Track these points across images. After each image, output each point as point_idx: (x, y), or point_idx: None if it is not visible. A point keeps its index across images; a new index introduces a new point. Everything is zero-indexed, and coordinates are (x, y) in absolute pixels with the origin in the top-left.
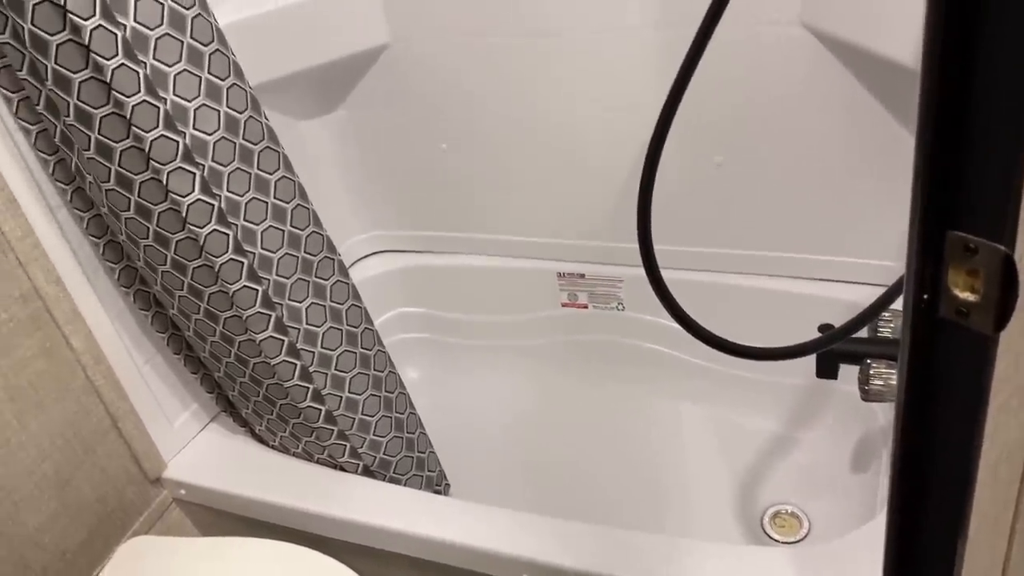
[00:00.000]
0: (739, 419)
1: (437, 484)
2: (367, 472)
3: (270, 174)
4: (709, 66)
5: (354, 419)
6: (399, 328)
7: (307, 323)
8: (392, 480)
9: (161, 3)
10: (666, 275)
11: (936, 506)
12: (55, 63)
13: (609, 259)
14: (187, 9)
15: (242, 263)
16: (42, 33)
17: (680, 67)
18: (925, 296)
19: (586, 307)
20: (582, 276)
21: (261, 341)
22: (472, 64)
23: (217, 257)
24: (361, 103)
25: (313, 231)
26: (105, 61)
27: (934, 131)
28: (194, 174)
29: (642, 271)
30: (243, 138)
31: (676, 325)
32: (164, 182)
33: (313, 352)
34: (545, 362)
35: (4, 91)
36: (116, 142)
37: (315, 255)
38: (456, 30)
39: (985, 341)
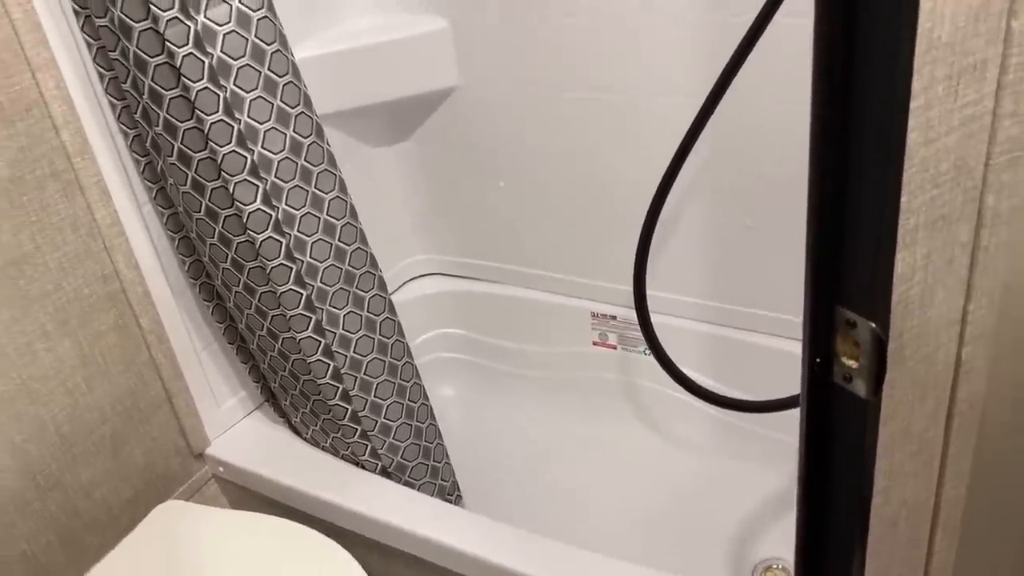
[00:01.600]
0: (748, 471)
1: (449, 494)
2: (384, 473)
3: (325, 193)
4: (741, 133)
5: (377, 421)
6: (441, 346)
7: (343, 328)
8: (406, 483)
9: (245, 37)
10: (694, 327)
11: (835, 551)
12: (151, 80)
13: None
14: (268, 45)
15: (291, 268)
16: (143, 55)
17: (690, 124)
18: (818, 360)
19: (615, 348)
20: (614, 318)
21: (301, 340)
22: (533, 111)
23: (270, 260)
24: (428, 137)
25: (358, 247)
26: (192, 83)
27: (819, 229)
28: (258, 187)
29: (669, 318)
30: (304, 160)
31: (696, 374)
32: (231, 191)
33: (346, 356)
34: (570, 395)
35: (111, 98)
36: (195, 152)
37: (358, 269)
38: (521, 79)
39: (865, 404)
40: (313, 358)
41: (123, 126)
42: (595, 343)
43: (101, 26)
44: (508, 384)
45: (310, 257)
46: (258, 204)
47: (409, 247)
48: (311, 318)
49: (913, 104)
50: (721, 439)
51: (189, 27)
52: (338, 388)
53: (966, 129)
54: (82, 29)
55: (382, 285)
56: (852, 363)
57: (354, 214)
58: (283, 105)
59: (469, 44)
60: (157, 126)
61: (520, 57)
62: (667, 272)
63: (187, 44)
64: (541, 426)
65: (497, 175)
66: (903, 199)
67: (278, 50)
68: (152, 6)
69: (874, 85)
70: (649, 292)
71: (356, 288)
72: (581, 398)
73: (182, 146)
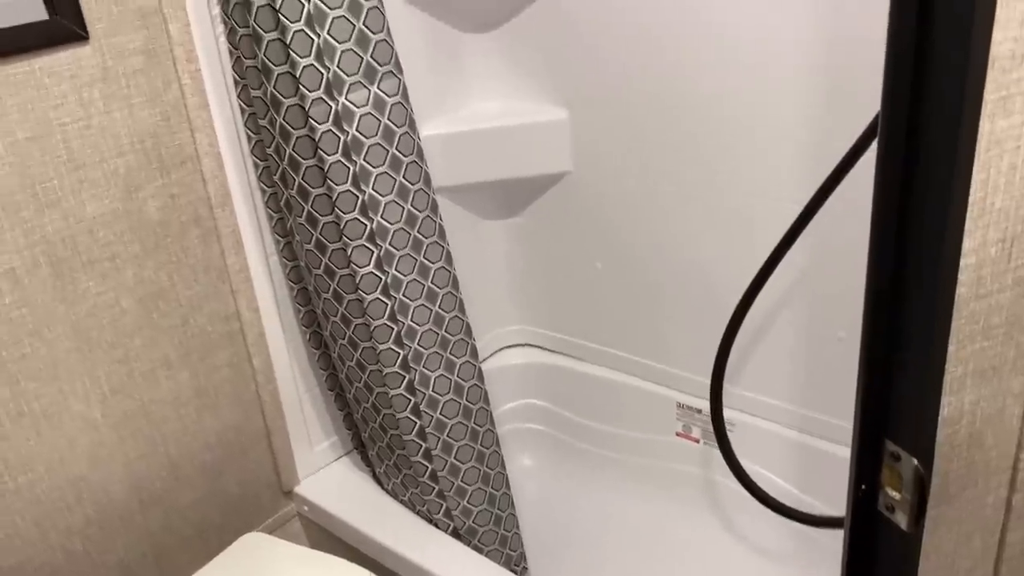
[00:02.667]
0: None
1: (516, 564)
2: (455, 534)
3: (432, 263)
4: (838, 245)
5: (454, 483)
6: (524, 417)
7: (433, 390)
8: (475, 547)
9: (379, 120)
10: (779, 431)
11: None
12: (292, 149)
13: (727, 401)
14: (398, 127)
15: (393, 329)
16: (288, 127)
17: (787, 230)
18: (863, 487)
19: (698, 442)
20: (699, 411)
21: (393, 396)
22: (638, 200)
23: (375, 320)
24: (536, 215)
25: (456, 316)
26: (327, 156)
27: (871, 363)
28: (373, 252)
29: (754, 418)
30: (418, 231)
31: (777, 479)
32: (349, 253)
33: (432, 416)
34: (648, 483)
35: (255, 159)
36: (321, 216)
37: (453, 335)
38: (630, 170)
39: (906, 536)
40: (402, 415)
41: (262, 184)
42: (678, 434)
43: (256, 97)
44: (586, 462)
45: (411, 320)
46: (371, 268)
47: (506, 316)
48: (405, 377)
49: (964, 262)
50: (793, 547)
51: (331, 107)
52: (421, 446)
53: (1020, 289)
54: (239, 96)
55: (474, 353)
56: (895, 494)
57: (456, 284)
58: (405, 182)
59: (585, 135)
60: (292, 189)
61: (631, 150)
62: (757, 372)
63: (327, 121)
64: (614, 509)
65: (597, 257)
66: (951, 348)
67: (407, 132)
68: (301, 86)
69: (926, 244)
70: (736, 390)
71: (449, 353)
72: (658, 487)
73: (311, 209)
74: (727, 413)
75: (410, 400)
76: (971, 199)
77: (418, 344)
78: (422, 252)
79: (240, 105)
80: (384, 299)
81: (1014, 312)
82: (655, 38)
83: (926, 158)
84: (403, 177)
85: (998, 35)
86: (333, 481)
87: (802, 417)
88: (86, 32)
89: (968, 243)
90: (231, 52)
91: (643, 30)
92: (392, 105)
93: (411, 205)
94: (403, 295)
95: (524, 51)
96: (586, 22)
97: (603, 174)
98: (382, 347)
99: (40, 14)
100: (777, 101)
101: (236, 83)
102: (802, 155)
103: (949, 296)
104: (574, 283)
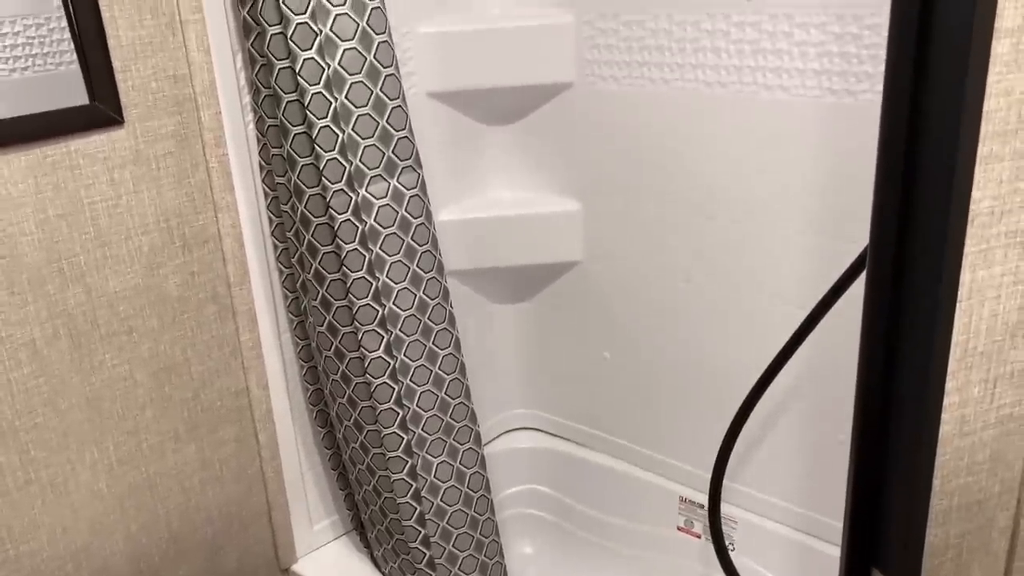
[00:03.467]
0: None
1: None
2: None
3: (441, 349)
4: (841, 353)
5: (451, 571)
6: (526, 502)
7: (435, 476)
8: None
9: (396, 211)
10: (780, 530)
11: None
12: (311, 236)
13: (730, 498)
14: (414, 219)
15: (399, 414)
16: (309, 214)
17: (792, 334)
18: None
19: (699, 537)
20: (701, 507)
21: (395, 480)
22: (647, 293)
23: (381, 403)
24: (546, 301)
25: (462, 402)
26: (344, 244)
27: (858, 492)
28: (383, 337)
29: (758, 518)
30: (428, 318)
31: None
32: (359, 337)
33: (433, 502)
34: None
35: (275, 240)
36: (335, 300)
37: (458, 422)
38: (640, 262)
39: None
40: (403, 499)
41: (280, 265)
42: (679, 528)
43: (279, 183)
44: (587, 552)
45: (417, 405)
46: (380, 352)
47: (513, 399)
48: (407, 462)
49: (947, 401)
50: None
51: (351, 198)
52: (420, 532)
53: (1003, 427)
54: (263, 181)
55: (477, 440)
56: None
57: (463, 370)
58: (418, 270)
59: (596, 227)
60: (308, 272)
61: (641, 244)
62: (759, 470)
63: (347, 212)
64: None
65: (605, 346)
66: (936, 482)
67: (423, 223)
68: (324, 178)
69: (911, 383)
70: (739, 487)
71: (453, 439)
72: None
73: (326, 293)
74: (730, 510)
75: (411, 485)
76: (954, 342)
77: (422, 429)
78: (431, 338)
79: (264, 189)
80: (391, 383)
81: (998, 449)
82: (667, 138)
83: (911, 303)
84: (416, 266)
85: (977, 194)
86: (331, 561)
87: (804, 518)
88: (122, 117)
89: (951, 383)
90: (259, 139)
91: (655, 129)
92: (410, 197)
93: (423, 292)
94: (410, 380)
95: (540, 144)
96: (600, 119)
97: (613, 266)
98: (386, 431)
99: (82, 99)
100: (785, 207)
101: (261, 168)
102: (808, 262)
103: (933, 433)
104: (582, 370)
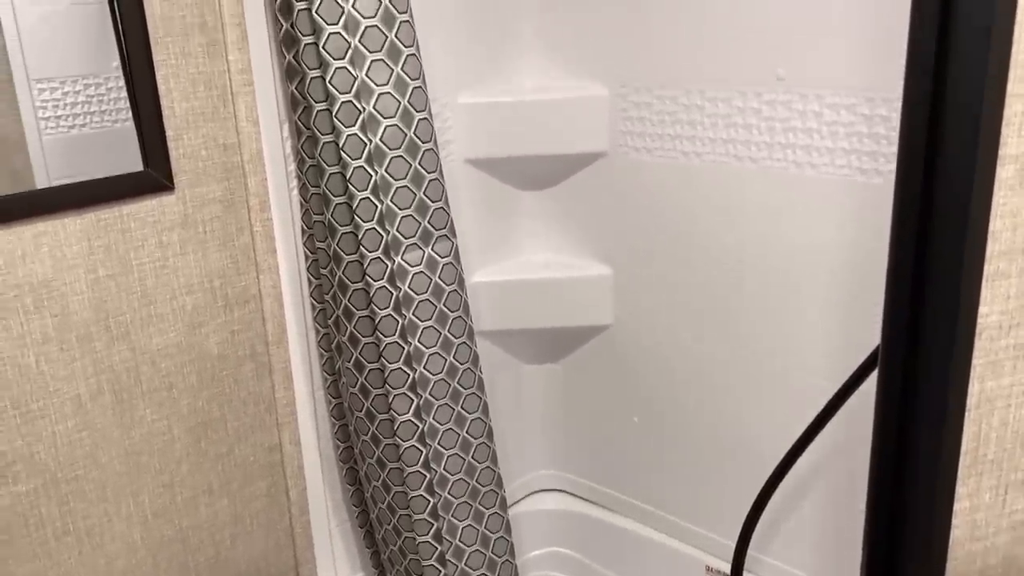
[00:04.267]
0: None
1: None
2: None
3: (469, 414)
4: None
5: None
6: (552, 565)
7: (460, 540)
8: None
9: (430, 278)
10: None
11: None
12: (348, 300)
13: (754, 568)
14: (447, 285)
15: (426, 476)
16: (346, 280)
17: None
18: None
19: None
20: None
21: (420, 543)
22: (677, 358)
23: (408, 466)
24: (576, 363)
25: (488, 466)
26: (379, 310)
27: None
28: (413, 401)
29: None
30: (457, 382)
31: None
32: (390, 400)
33: (457, 566)
34: None
35: (313, 300)
36: (368, 362)
37: (484, 486)
38: (670, 327)
39: None
40: (427, 562)
41: (317, 325)
42: None
43: (320, 248)
44: None
45: (444, 469)
46: (410, 416)
47: (540, 460)
48: (433, 525)
49: (958, 506)
50: None
51: (387, 266)
52: None
53: (1016, 533)
54: (304, 244)
55: (503, 505)
56: None
57: (490, 435)
58: (449, 335)
59: (627, 291)
60: (343, 335)
61: (671, 310)
62: (784, 542)
63: (382, 279)
64: None
65: (634, 411)
66: None
67: (455, 290)
68: (362, 246)
69: (921, 492)
70: (764, 557)
71: (479, 504)
72: None
73: (359, 356)
74: None
75: (436, 548)
76: (964, 449)
77: (448, 493)
78: (460, 402)
79: (305, 252)
80: (420, 446)
81: (1011, 554)
82: (697, 209)
83: (921, 411)
84: (448, 331)
85: (984, 309)
86: None
87: None
88: (172, 183)
89: (962, 489)
90: (302, 205)
91: (686, 200)
92: (444, 265)
93: (453, 357)
94: (438, 444)
95: (574, 210)
96: (633, 188)
97: (643, 330)
98: (413, 493)
99: (136, 166)
100: (811, 281)
101: (303, 232)
102: (834, 335)
103: (944, 537)
104: (610, 434)
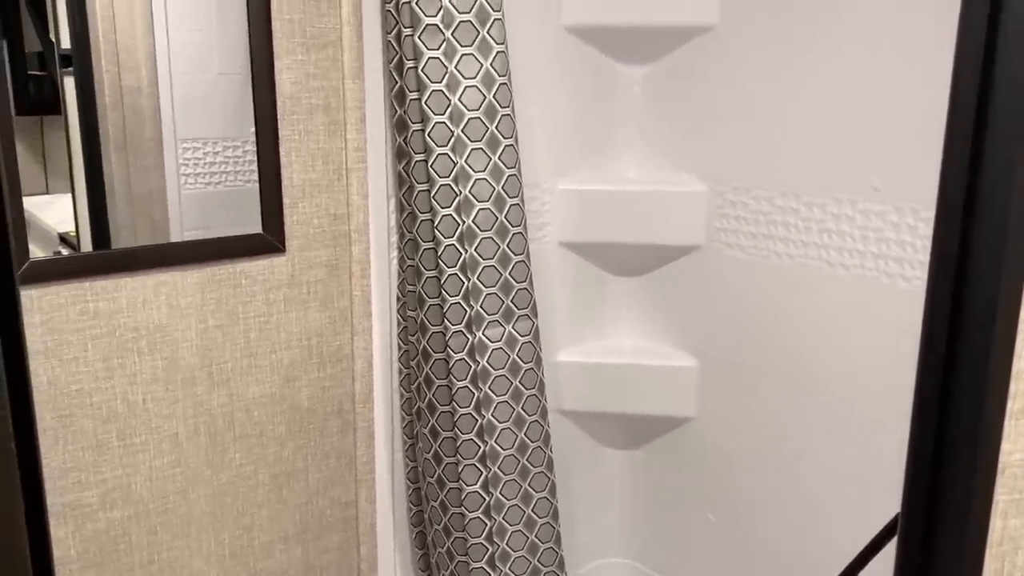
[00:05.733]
0: None
1: None
2: None
3: (536, 492)
4: None
5: None
6: None
7: None
8: None
9: (508, 355)
10: None
11: None
12: (430, 368)
13: None
14: (524, 363)
15: (488, 549)
16: (430, 349)
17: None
18: None
19: None
20: None
21: None
22: (756, 458)
23: (472, 537)
24: (655, 453)
25: (551, 547)
26: (456, 381)
27: None
28: (482, 473)
29: None
30: (527, 459)
31: None
32: (459, 470)
33: None
34: None
35: (400, 365)
36: (443, 430)
37: (545, 566)
38: (752, 425)
39: None
40: None
41: (402, 389)
42: None
43: (410, 316)
44: None
45: (507, 544)
46: (477, 487)
47: (611, 547)
48: None
49: None
50: None
51: (468, 339)
52: None
53: None
54: (398, 311)
55: None
56: None
57: (555, 516)
58: (522, 412)
59: (712, 386)
60: (423, 401)
61: (753, 408)
62: None
63: (462, 352)
64: None
65: (710, 507)
66: None
67: (531, 368)
68: (446, 319)
69: None
70: None
71: None
72: None
73: (435, 423)
74: None
75: None
76: None
77: (509, 568)
78: (528, 480)
79: (398, 318)
80: (485, 519)
81: None
82: (787, 309)
83: (942, 550)
84: (521, 408)
85: (1007, 446)
86: None
87: None
88: (284, 246)
89: None
90: (399, 274)
91: (776, 300)
92: (523, 344)
93: (524, 434)
94: (503, 518)
95: (664, 299)
96: (724, 283)
97: (725, 428)
98: (475, 565)
99: (256, 228)
100: (892, 398)
101: (398, 299)
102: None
103: None
104: (684, 528)
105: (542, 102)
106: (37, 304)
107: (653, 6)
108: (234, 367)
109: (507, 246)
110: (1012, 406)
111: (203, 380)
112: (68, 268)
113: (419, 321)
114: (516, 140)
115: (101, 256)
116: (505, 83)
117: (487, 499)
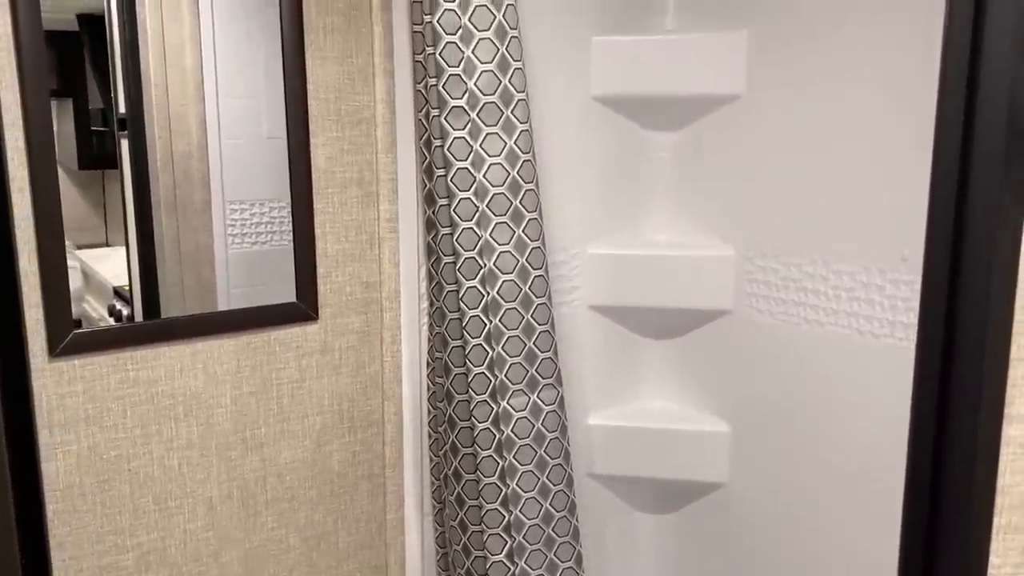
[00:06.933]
0: None
1: None
2: None
3: (562, 562)
4: None
5: None
6: None
7: None
8: None
9: (533, 424)
10: None
11: None
12: (455, 436)
13: None
14: (549, 432)
15: (510, 569)
16: (455, 417)
17: None
18: None
19: None
20: None
21: None
22: (788, 527)
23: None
24: (687, 517)
25: None
26: (481, 450)
27: None
28: (507, 543)
29: None
30: (552, 529)
31: None
32: (484, 540)
33: None
34: None
35: (429, 429)
36: (468, 498)
37: None
38: (782, 496)
39: None
40: None
41: (431, 453)
42: None
43: (438, 382)
44: None
45: None
46: (502, 557)
47: None
48: None
49: None
50: None
51: (493, 408)
52: None
53: None
54: (428, 376)
55: None
56: None
57: (580, 560)
58: (548, 481)
59: (743, 451)
60: (449, 468)
61: (785, 476)
62: None
63: (487, 421)
64: None
65: (741, 574)
66: None
67: (556, 437)
68: (471, 388)
69: None
70: None
71: None
72: None
73: (461, 491)
74: None
75: None
76: None
77: None
78: (553, 550)
79: (428, 384)
80: (508, 564)
81: None
82: (818, 376)
83: None
84: (546, 477)
85: (996, 560)
86: None
87: None
88: (317, 314)
89: None
90: (429, 340)
91: (806, 366)
92: (547, 412)
93: (550, 504)
94: (524, 563)
95: (694, 362)
96: (754, 347)
97: (755, 493)
98: None
99: (289, 297)
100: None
101: (428, 365)
102: None
103: None
104: None
105: (572, 168)
106: (80, 373)
107: (681, 77)
108: (267, 432)
109: (531, 316)
110: (999, 520)
111: (237, 445)
112: (110, 338)
113: (445, 388)
114: (540, 214)
115: (141, 327)
116: (529, 160)
117: (512, 568)
